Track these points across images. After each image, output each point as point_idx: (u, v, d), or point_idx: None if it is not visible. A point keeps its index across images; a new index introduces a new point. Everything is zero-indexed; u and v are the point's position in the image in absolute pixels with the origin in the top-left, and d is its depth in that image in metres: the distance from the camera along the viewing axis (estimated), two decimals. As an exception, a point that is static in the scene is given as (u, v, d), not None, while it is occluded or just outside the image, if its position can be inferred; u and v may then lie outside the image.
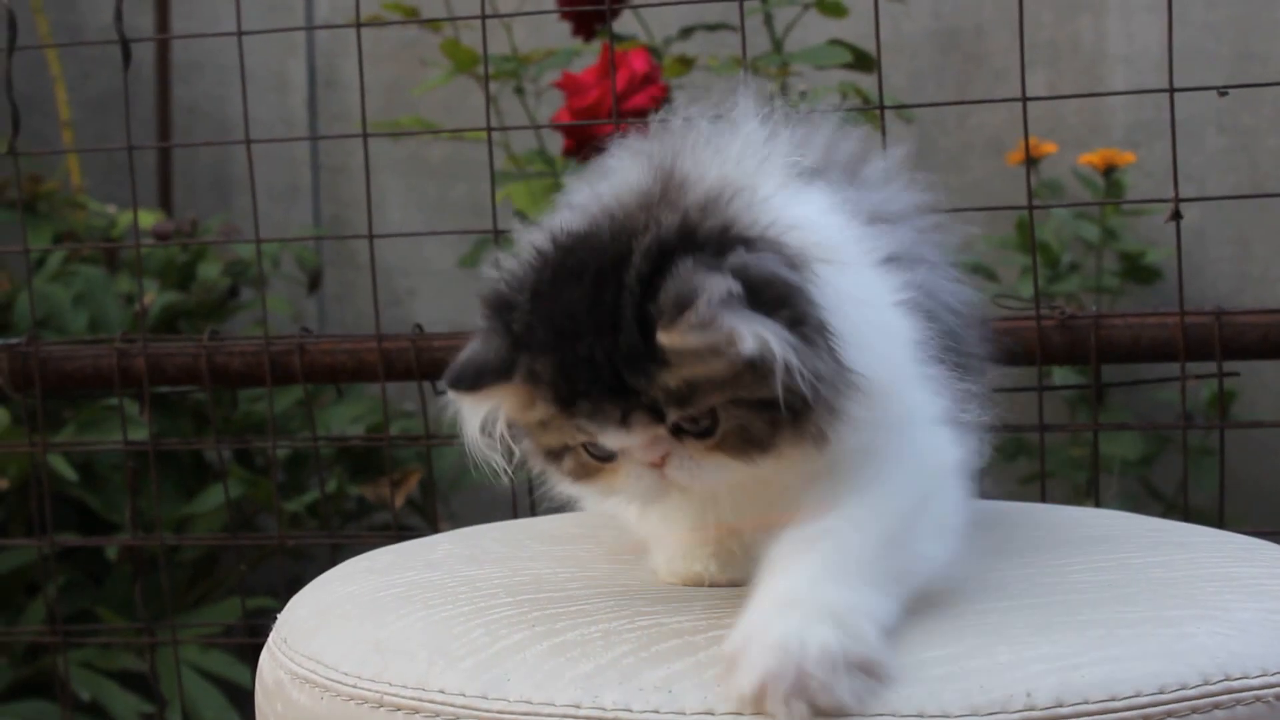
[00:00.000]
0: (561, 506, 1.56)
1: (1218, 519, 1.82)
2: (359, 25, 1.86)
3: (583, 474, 1.16)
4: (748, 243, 1.09)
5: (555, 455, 1.16)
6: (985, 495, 2.62)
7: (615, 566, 1.31)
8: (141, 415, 1.96)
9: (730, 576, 1.24)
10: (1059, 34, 2.91)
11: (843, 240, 1.17)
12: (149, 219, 2.87)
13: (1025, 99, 1.74)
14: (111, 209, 2.94)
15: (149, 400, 1.95)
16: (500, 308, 1.14)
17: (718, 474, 1.12)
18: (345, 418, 2.62)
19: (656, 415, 1.10)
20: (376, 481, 2.60)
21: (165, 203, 3.23)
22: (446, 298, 3.18)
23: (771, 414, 1.08)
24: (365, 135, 1.89)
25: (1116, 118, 2.87)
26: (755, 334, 1.05)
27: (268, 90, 3.28)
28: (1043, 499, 1.82)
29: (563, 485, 1.21)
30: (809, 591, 1.05)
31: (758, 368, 1.06)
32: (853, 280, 1.13)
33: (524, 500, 1.92)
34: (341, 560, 1.43)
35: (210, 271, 2.78)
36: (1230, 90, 1.68)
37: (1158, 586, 1.20)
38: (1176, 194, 1.71)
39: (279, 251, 2.87)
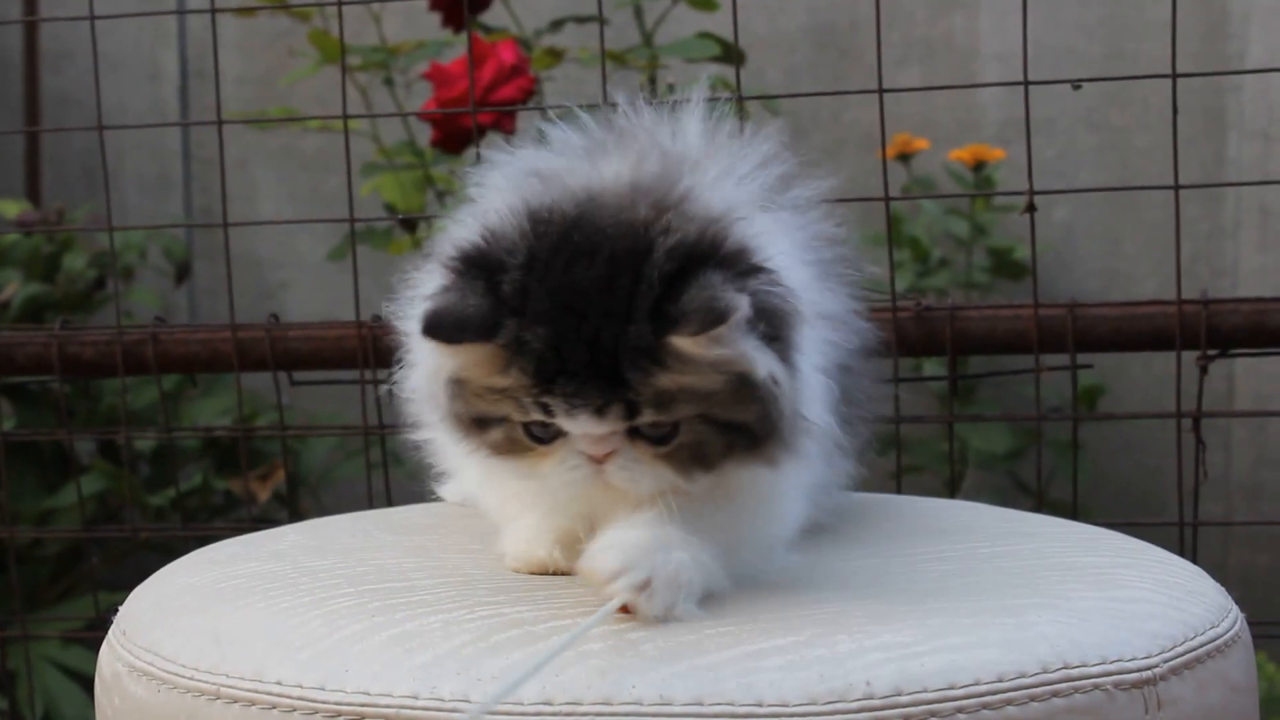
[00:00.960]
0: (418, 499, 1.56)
1: (1073, 509, 1.83)
2: (214, 11, 1.83)
3: (507, 449, 1.15)
4: (763, 271, 1.10)
5: (482, 423, 1.15)
6: (857, 488, 2.63)
7: (461, 556, 1.30)
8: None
9: (575, 564, 1.22)
10: (932, 31, 2.92)
11: (804, 288, 1.17)
12: (15, 208, 2.83)
13: (881, 90, 1.75)
14: (-25, 199, 2.90)
15: (7, 392, 1.93)
16: (484, 265, 1.12)
17: (655, 482, 1.13)
18: (213, 410, 2.59)
19: (630, 412, 1.10)
20: (244, 475, 2.57)
21: (34, 192, 3.18)
22: (321, 290, 3.16)
23: (731, 437, 1.11)
24: (220, 123, 1.87)
25: (988, 115, 2.88)
26: (767, 363, 1.09)
27: (140, 79, 3.24)
28: (898, 491, 1.83)
29: (468, 453, 1.18)
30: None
31: (742, 391, 1.10)
32: (807, 333, 1.16)
33: (397, 493, 1.90)
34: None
35: (76, 263, 2.74)
36: (1085, 84, 1.69)
37: (1002, 576, 1.20)
38: (1031, 186, 1.72)
39: (146, 243, 2.83)
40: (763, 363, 1.09)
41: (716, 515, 1.15)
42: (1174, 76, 1.68)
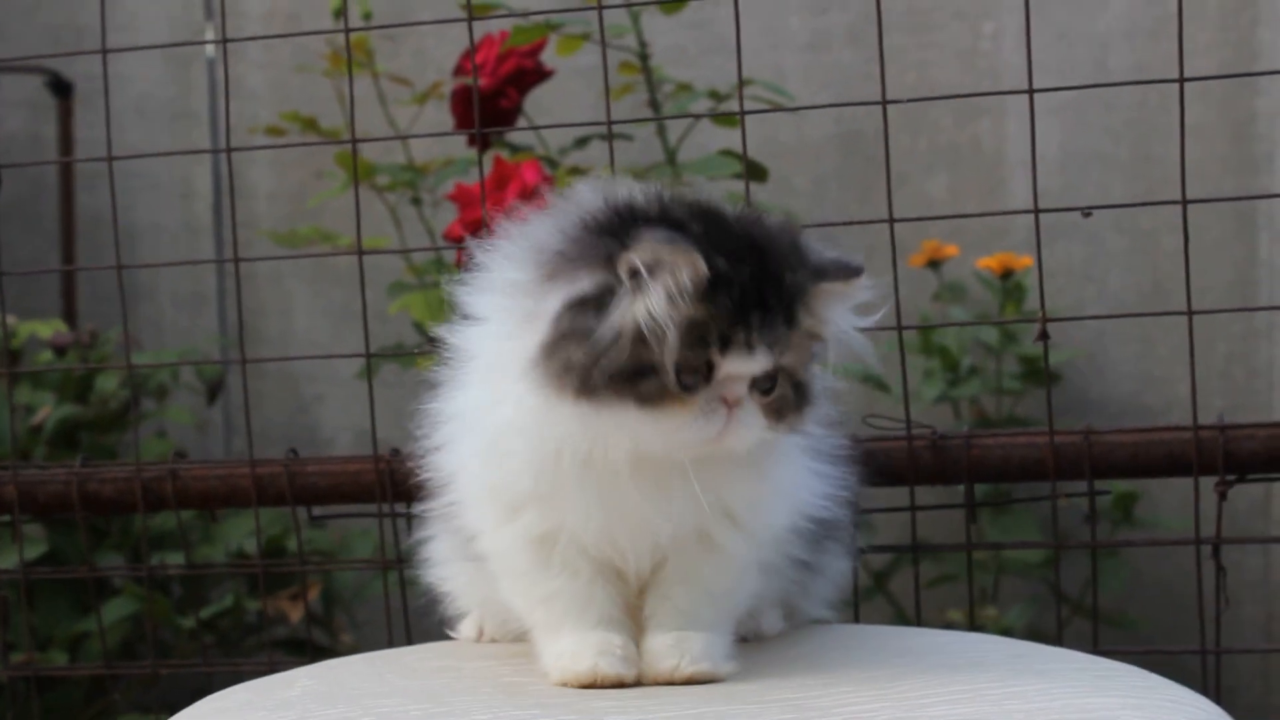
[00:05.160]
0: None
1: (1094, 639, 1.82)
2: (229, 150, 1.86)
3: (657, 399, 1.24)
4: None
5: (638, 374, 1.23)
6: (889, 597, 2.61)
7: (471, 700, 1.29)
8: (15, 543, 1.93)
9: (618, 673, 1.31)
10: (959, 137, 2.92)
11: None
12: (48, 329, 2.85)
13: (892, 220, 1.75)
14: (11, 319, 2.91)
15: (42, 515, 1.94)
16: (663, 217, 1.25)
17: (758, 431, 1.27)
18: (241, 530, 2.59)
19: (781, 352, 1.25)
20: (275, 595, 2.58)
21: (69, 310, 3.20)
22: (356, 403, 3.16)
23: (798, 396, 1.29)
24: (236, 260, 1.88)
25: (1017, 220, 2.87)
26: (851, 330, 1.30)
27: (172, 197, 3.26)
28: (918, 621, 1.82)
29: (614, 410, 1.24)
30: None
31: (812, 354, 1.29)
32: None
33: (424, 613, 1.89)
34: (243, 674, 1.45)
35: (108, 384, 2.75)
36: (1115, 185, 1.69)
37: (1010, 721, 1.19)
38: (1044, 315, 1.72)
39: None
40: (849, 328, 1.30)
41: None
42: (1184, 203, 1.68)
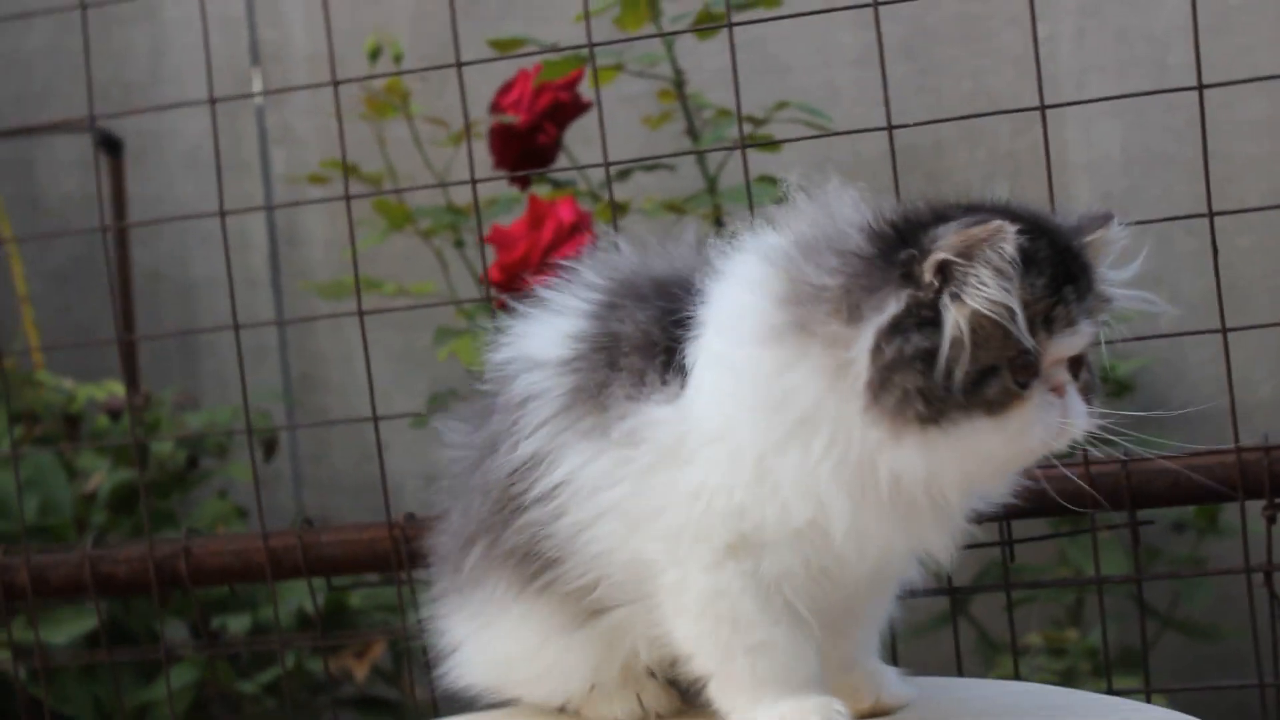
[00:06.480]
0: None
1: (1145, 678, 1.74)
2: (222, 213, 1.81)
3: (1003, 403, 1.18)
4: None
5: (982, 379, 1.18)
6: (971, 620, 2.54)
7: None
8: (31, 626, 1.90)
9: None
10: (1018, 144, 2.85)
11: None
12: (104, 392, 2.83)
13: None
14: (69, 383, 2.89)
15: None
16: (940, 217, 1.21)
17: (1084, 420, 1.23)
18: (303, 588, 2.55)
19: (1097, 321, 1.23)
20: (338, 654, 2.54)
21: (130, 369, 3.18)
22: (419, 448, 3.12)
23: (1093, 378, 1.25)
24: (280, 323, 1.85)
25: (1078, 224, 2.80)
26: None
27: (229, 249, 3.23)
28: (959, 670, 1.75)
29: (964, 429, 1.19)
30: None
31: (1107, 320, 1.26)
32: None
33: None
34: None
35: (165, 447, 2.73)
36: (1180, 187, 1.63)
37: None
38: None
39: (230, 421, 2.82)
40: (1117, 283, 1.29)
41: None
42: (1210, 215, 1.61)
